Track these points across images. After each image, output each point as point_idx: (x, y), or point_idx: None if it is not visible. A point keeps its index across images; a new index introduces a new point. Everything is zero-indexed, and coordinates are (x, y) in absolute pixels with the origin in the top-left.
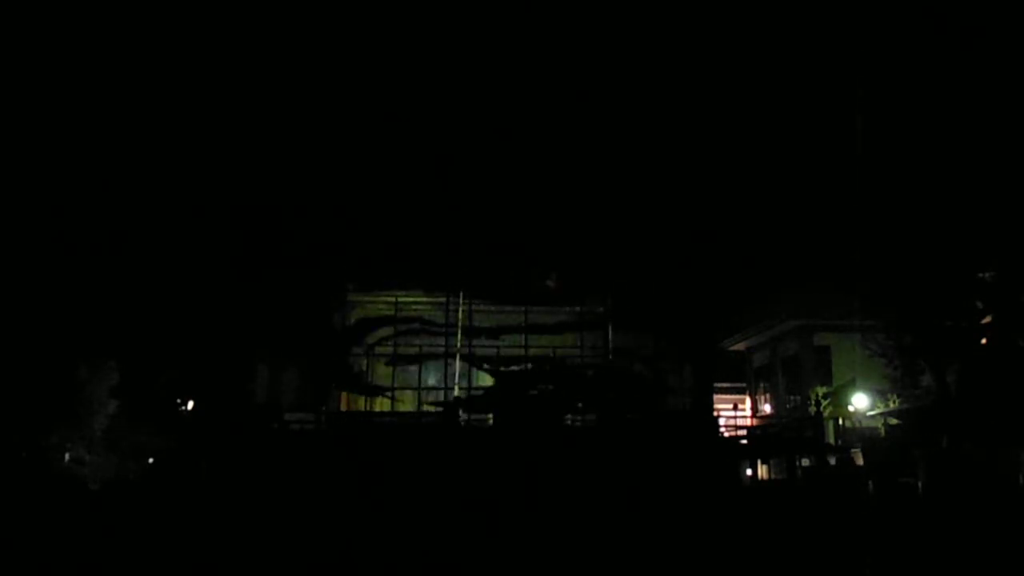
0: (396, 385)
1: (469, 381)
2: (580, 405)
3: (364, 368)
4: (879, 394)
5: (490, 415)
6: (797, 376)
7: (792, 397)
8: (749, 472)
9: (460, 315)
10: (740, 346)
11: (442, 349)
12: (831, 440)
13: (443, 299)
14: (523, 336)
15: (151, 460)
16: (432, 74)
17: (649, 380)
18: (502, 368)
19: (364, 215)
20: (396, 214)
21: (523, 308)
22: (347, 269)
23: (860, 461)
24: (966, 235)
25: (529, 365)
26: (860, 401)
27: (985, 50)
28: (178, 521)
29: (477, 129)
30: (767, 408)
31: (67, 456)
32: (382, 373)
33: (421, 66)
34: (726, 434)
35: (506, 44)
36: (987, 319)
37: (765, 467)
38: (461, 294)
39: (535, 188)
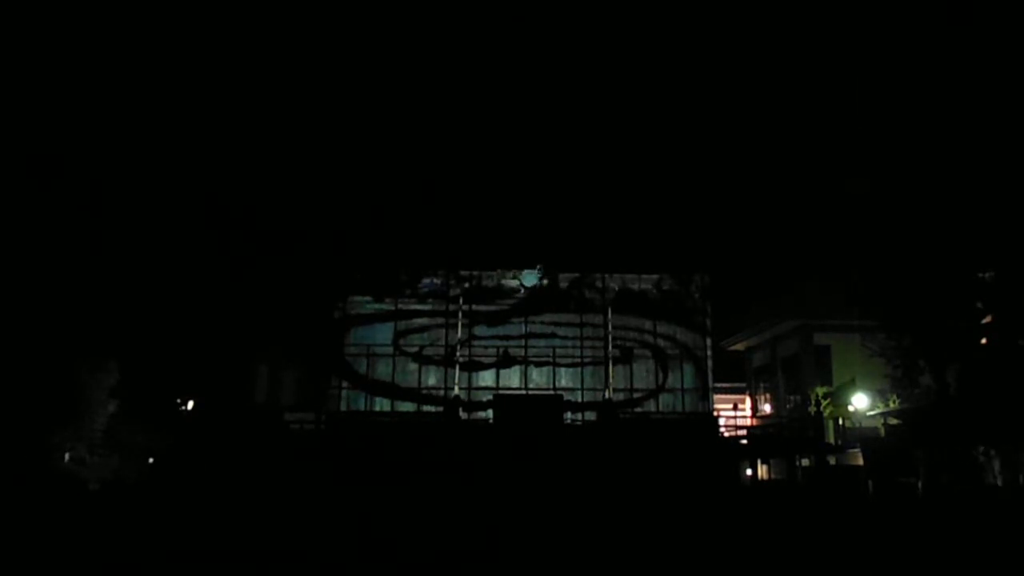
0: (396, 385)
1: (469, 381)
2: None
3: (365, 367)
4: (879, 394)
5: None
6: (797, 376)
7: (792, 397)
8: (749, 472)
9: (460, 318)
10: (740, 346)
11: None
12: (831, 440)
13: (443, 307)
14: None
15: (151, 460)
16: (437, 76)
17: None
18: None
19: (365, 217)
20: (397, 216)
21: (522, 320)
22: (348, 271)
23: (860, 461)
24: (966, 235)
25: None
26: (860, 401)
27: (985, 50)
28: (178, 521)
29: (480, 133)
30: (767, 408)
31: (67, 456)
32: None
33: (426, 68)
34: (726, 434)
35: (522, 48)
36: (987, 319)
37: (765, 467)
38: (461, 299)
39: (536, 191)
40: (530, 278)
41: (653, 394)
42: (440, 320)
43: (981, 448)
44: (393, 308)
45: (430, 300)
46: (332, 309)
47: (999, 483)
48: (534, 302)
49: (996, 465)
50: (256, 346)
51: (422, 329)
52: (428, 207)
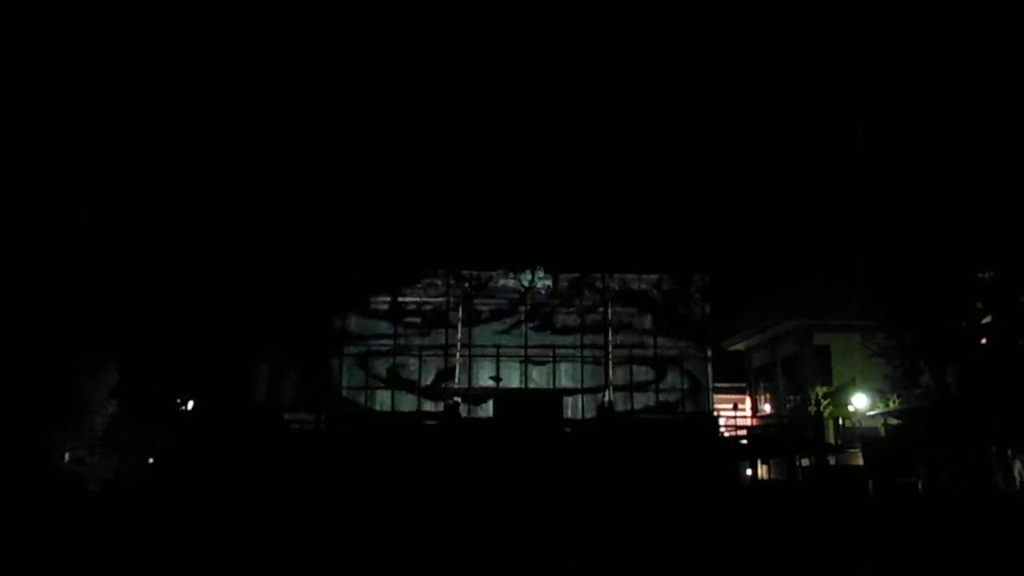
0: (396, 385)
1: (469, 380)
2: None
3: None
4: (879, 394)
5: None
6: (797, 376)
7: (792, 397)
8: (749, 472)
9: (460, 318)
10: (740, 346)
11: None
12: (831, 440)
13: (443, 299)
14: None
15: (151, 460)
16: (438, 77)
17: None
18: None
19: (366, 217)
20: (398, 216)
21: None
22: (348, 271)
23: (860, 461)
24: (966, 235)
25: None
26: (860, 401)
27: (985, 50)
28: (178, 521)
29: (480, 134)
30: (767, 408)
31: (67, 456)
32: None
33: (426, 69)
34: (726, 434)
35: (523, 49)
36: (987, 319)
37: (765, 467)
38: (461, 299)
39: (537, 191)
40: (531, 279)
41: (655, 410)
42: (440, 320)
43: (994, 449)
44: (392, 310)
45: (429, 300)
46: (332, 313)
47: (1020, 485)
48: (534, 303)
49: (1017, 466)
50: (256, 346)
51: (422, 330)
52: (429, 207)
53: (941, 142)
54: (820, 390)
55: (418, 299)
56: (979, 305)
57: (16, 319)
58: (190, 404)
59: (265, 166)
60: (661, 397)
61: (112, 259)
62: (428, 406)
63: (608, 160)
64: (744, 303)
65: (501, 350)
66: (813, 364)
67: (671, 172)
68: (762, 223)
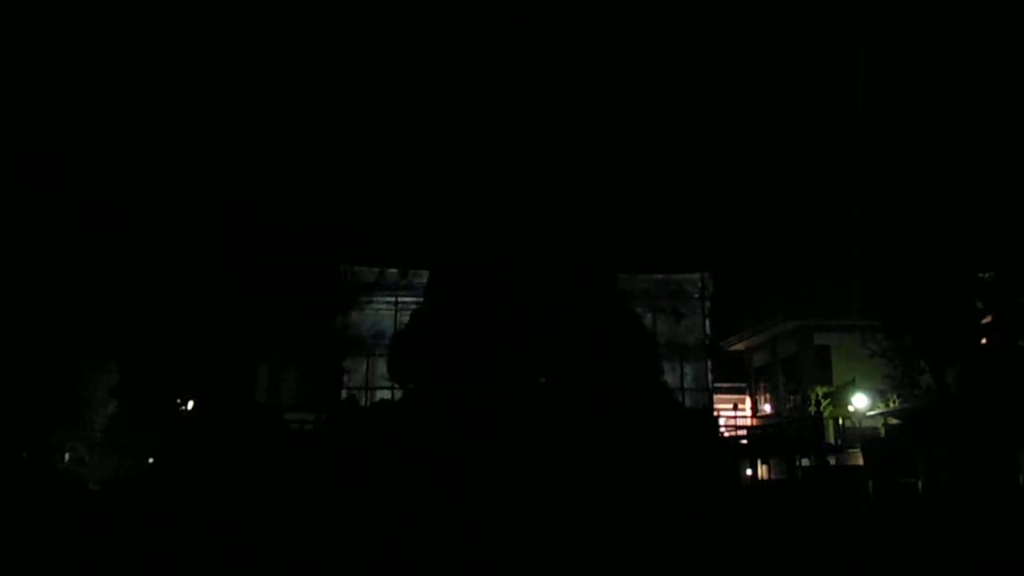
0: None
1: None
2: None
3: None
4: (879, 394)
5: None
6: (797, 376)
7: (792, 397)
8: (749, 472)
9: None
10: (740, 346)
11: None
12: (831, 440)
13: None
14: None
15: (151, 460)
16: (435, 76)
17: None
18: None
19: (365, 216)
20: (399, 214)
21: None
22: (346, 270)
23: (860, 461)
24: (966, 235)
25: None
26: (860, 401)
27: (985, 49)
28: (178, 521)
29: (480, 133)
30: (767, 408)
31: (67, 456)
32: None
33: (424, 68)
34: (726, 434)
35: (522, 49)
36: (987, 319)
37: (765, 467)
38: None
39: (535, 191)
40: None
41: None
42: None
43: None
44: (393, 308)
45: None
46: (332, 312)
47: None
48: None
49: None
50: (256, 346)
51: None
52: (430, 207)
53: (941, 142)
54: (820, 390)
55: (419, 298)
56: (979, 305)
57: (16, 319)
58: (190, 404)
59: (265, 165)
60: None
61: (112, 259)
62: None
63: (608, 160)
64: (744, 303)
65: None
66: (813, 364)
67: (671, 172)
68: (762, 223)
